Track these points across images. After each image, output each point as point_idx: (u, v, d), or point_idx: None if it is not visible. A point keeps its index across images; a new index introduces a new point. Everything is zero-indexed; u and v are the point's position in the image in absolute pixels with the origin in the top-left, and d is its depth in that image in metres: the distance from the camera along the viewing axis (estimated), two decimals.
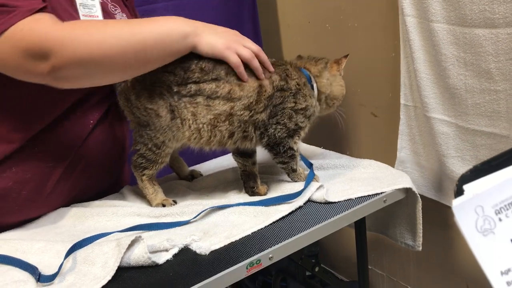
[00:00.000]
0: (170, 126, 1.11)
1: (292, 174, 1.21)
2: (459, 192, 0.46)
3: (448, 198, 1.54)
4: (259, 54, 1.11)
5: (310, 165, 1.24)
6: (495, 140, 1.36)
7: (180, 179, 1.37)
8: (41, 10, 0.96)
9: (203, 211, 1.08)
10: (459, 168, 1.47)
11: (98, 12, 1.14)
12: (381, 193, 1.12)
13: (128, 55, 0.97)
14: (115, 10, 1.20)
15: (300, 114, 1.17)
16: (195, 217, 1.07)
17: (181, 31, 1.01)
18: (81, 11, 1.12)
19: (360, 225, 1.22)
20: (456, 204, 0.43)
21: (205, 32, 1.04)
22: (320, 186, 1.13)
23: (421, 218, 1.18)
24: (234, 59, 1.06)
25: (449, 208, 1.53)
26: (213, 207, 1.09)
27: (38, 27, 0.93)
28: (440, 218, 1.56)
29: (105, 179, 1.28)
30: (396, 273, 1.87)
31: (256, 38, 2.03)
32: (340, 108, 1.33)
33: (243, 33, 1.14)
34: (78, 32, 0.96)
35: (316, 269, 1.51)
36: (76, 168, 1.18)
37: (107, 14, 1.18)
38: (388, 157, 1.62)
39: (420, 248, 1.22)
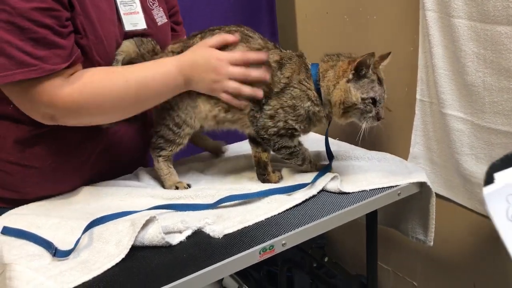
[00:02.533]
0: (192, 105, 1.15)
1: (300, 168, 1.21)
2: (489, 180, 0.46)
3: (460, 196, 1.53)
4: (246, 61, 1.10)
5: (331, 157, 1.23)
6: (511, 139, 1.35)
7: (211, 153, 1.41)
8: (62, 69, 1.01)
9: (223, 199, 1.07)
10: (472, 166, 1.46)
11: (138, 8, 1.19)
12: (396, 186, 1.12)
13: (125, 113, 1.11)
14: (153, 5, 1.24)
15: (288, 110, 1.13)
16: (215, 203, 1.07)
17: (173, 84, 1.09)
18: (122, 9, 1.15)
19: (371, 218, 1.22)
20: (487, 192, 0.43)
21: (193, 80, 1.09)
22: (335, 177, 1.13)
23: (434, 213, 1.18)
24: (224, 98, 1.12)
25: (459, 206, 1.54)
26: (232, 196, 1.08)
27: (51, 90, 1.01)
28: (449, 216, 1.56)
29: (129, 164, 1.30)
30: (402, 268, 1.87)
31: (272, 29, 2.02)
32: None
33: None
34: (84, 98, 1.04)
35: (326, 259, 1.51)
36: (102, 150, 1.20)
37: (144, 9, 1.21)
38: (401, 152, 1.61)
39: (432, 243, 1.22)
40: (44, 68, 0.98)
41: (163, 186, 1.21)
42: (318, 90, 1.13)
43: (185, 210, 1.06)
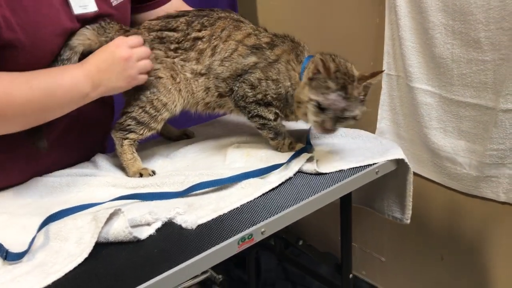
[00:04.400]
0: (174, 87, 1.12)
1: (271, 142, 1.17)
2: None
3: (428, 170, 1.52)
4: (141, 41, 1.09)
5: (309, 143, 1.17)
6: (480, 111, 1.34)
7: (173, 140, 1.32)
8: None
9: (194, 186, 0.99)
10: (440, 140, 1.45)
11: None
12: (373, 164, 1.07)
13: (29, 121, 1.00)
14: None
15: (270, 84, 1.12)
16: (184, 191, 0.98)
17: (81, 92, 1.01)
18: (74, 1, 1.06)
19: (345, 198, 1.18)
20: None
21: (103, 80, 1.03)
22: (310, 157, 1.07)
23: (411, 190, 1.15)
24: (142, 81, 1.09)
25: (427, 180, 1.53)
26: (203, 183, 1.00)
27: None
28: (417, 191, 1.54)
29: (90, 144, 1.21)
30: (369, 244, 1.86)
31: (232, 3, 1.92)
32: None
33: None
34: None
35: (300, 242, 1.47)
36: (56, 136, 1.10)
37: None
38: (368, 127, 1.57)
39: (409, 221, 1.20)
40: None
41: (126, 173, 1.11)
42: (300, 79, 1.12)
43: (152, 200, 0.97)
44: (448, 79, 1.39)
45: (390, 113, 1.58)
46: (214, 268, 1.86)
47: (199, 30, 1.13)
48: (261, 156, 1.13)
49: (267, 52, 1.13)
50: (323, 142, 1.19)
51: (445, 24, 1.35)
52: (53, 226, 0.88)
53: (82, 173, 1.10)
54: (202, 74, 1.13)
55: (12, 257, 0.80)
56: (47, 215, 0.90)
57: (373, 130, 1.59)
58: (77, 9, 1.06)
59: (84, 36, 1.07)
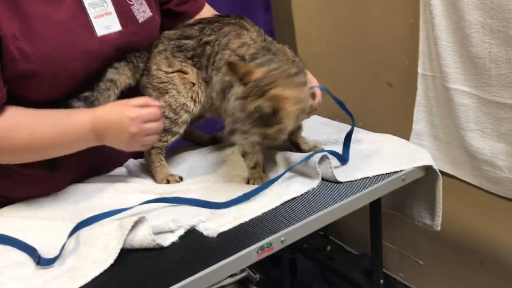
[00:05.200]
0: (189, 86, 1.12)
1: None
2: None
3: (466, 173, 1.47)
4: (157, 117, 1.04)
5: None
6: None
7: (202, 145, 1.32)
8: None
9: (228, 202, 0.98)
10: (478, 142, 1.39)
11: (110, 8, 1.08)
12: (400, 171, 1.06)
13: (26, 160, 1.03)
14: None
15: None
16: (214, 204, 0.99)
17: (84, 142, 1.03)
18: (91, 12, 1.06)
19: (375, 204, 1.16)
20: None
21: (107, 139, 1.02)
22: (324, 156, 1.05)
23: (441, 197, 1.12)
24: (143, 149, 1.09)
25: (465, 183, 1.48)
26: (235, 199, 0.99)
27: None
28: (455, 193, 1.50)
29: (118, 157, 1.23)
30: (407, 247, 1.82)
31: (265, 6, 1.92)
32: None
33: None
34: None
35: (328, 247, 1.47)
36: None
37: (122, 6, 1.11)
38: (403, 129, 1.55)
39: (439, 228, 1.17)
40: None
41: (154, 179, 1.15)
42: None
43: (177, 203, 1.00)
44: (486, 80, 1.33)
45: (426, 114, 1.54)
46: (251, 267, 1.88)
47: (209, 35, 1.12)
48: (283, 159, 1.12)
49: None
50: (352, 147, 1.17)
51: (482, 22, 1.30)
52: (83, 232, 0.93)
53: (115, 180, 1.14)
54: (206, 82, 1.13)
55: (44, 262, 0.86)
56: (79, 220, 0.95)
57: (408, 132, 1.56)
58: (101, 31, 1.06)
59: (125, 76, 1.12)
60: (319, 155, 1.04)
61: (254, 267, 1.92)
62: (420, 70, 1.51)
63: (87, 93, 1.08)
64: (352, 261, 1.47)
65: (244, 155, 1.08)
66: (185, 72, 1.13)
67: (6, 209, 1.08)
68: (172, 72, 1.13)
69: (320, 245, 1.47)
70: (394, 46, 1.63)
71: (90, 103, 1.08)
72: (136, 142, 1.02)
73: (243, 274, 1.89)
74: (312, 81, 1.16)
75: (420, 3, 1.44)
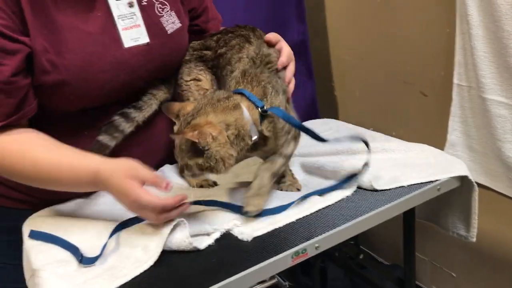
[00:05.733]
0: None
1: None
2: None
3: (502, 185, 1.45)
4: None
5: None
6: None
7: None
8: None
9: (266, 212, 0.99)
10: None
11: (139, 21, 1.10)
12: (435, 180, 1.05)
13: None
14: (163, 10, 1.15)
15: None
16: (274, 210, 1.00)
17: (86, 189, 1.05)
18: (120, 24, 1.08)
19: (409, 214, 1.16)
20: None
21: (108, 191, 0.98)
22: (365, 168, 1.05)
23: (476, 208, 1.11)
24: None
25: (501, 196, 1.46)
26: (270, 209, 1.00)
27: None
28: (491, 206, 1.47)
29: (156, 155, 1.24)
30: (439, 258, 1.80)
31: (300, 16, 1.94)
32: None
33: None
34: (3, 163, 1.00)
35: (361, 256, 1.46)
36: (135, 145, 1.16)
37: (151, 18, 1.13)
38: (437, 139, 1.54)
39: (474, 239, 1.16)
40: None
41: (189, 184, 1.17)
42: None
43: (214, 206, 1.02)
44: None
45: (461, 125, 1.53)
46: (281, 274, 1.89)
47: (222, 47, 1.14)
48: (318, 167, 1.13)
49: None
50: (385, 156, 1.18)
51: None
52: (124, 232, 0.96)
53: None
54: None
55: (86, 261, 0.89)
56: (119, 221, 0.98)
57: (441, 142, 1.55)
58: (128, 42, 1.07)
59: (162, 92, 1.17)
60: (360, 163, 1.05)
61: (283, 274, 1.93)
62: (455, 80, 1.50)
63: (126, 110, 1.11)
64: (384, 271, 1.45)
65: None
66: (199, 80, 1.16)
67: (47, 210, 1.12)
68: (190, 80, 1.16)
69: (352, 253, 1.46)
70: (428, 56, 1.62)
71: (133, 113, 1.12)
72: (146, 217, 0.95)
73: (273, 281, 1.90)
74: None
75: (456, 13, 1.44)
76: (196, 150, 0.92)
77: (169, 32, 1.14)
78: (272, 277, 1.83)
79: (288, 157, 1.06)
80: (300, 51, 1.94)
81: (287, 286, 1.93)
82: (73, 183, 1.01)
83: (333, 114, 2.06)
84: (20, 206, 1.14)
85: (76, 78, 1.02)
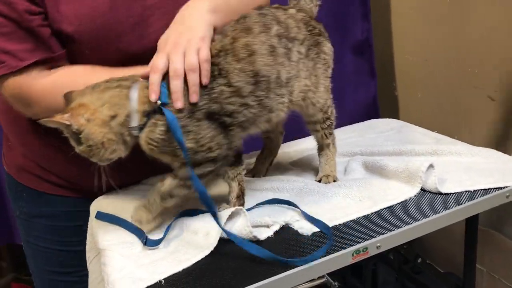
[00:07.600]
0: None
1: None
2: None
3: None
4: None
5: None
6: None
7: None
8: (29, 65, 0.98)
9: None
10: None
11: None
12: (504, 187, 1.01)
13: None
14: None
15: None
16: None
17: None
18: None
19: (472, 220, 1.12)
20: None
21: None
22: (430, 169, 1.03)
23: None
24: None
25: None
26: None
27: (23, 81, 0.99)
28: None
29: None
30: (499, 269, 1.73)
31: (364, 14, 1.91)
32: None
33: None
34: (54, 89, 0.97)
35: (419, 260, 1.43)
36: None
37: None
38: (506, 145, 1.48)
39: None
40: (10, 65, 0.97)
41: None
42: None
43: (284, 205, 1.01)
44: None
45: None
46: (330, 274, 1.88)
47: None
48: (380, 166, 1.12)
49: None
50: (451, 159, 1.15)
51: None
52: (185, 219, 0.99)
53: None
54: None
55: (151, 243, 0.92)
56: (178, 209, 1.00)
57: (509, 148, 1.48)
58: None
59: None
60: (426, 164, 1.02)
61: (333, 274, 1.91)
62: None
63: None
64: (440, 278, 1.41)
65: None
66: None
67: (113, 193, 1.16)
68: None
69: (409, 257, 1.43)
70: (498, 59, 1.56)
71: None
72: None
73: (322, 280, 1.89)
74: None
75: None
76: (72, 135, 0.88)
77: None
78: (321, 276, 1.83)
79: (186, 181, 0.93)
80: (363, 49, 1.93)
81: (336, 286, 1.91)
82: None
83: (394, 114, 2.02)
84: (61, 193, 1.18)
85: (87, 30, 1.00)
